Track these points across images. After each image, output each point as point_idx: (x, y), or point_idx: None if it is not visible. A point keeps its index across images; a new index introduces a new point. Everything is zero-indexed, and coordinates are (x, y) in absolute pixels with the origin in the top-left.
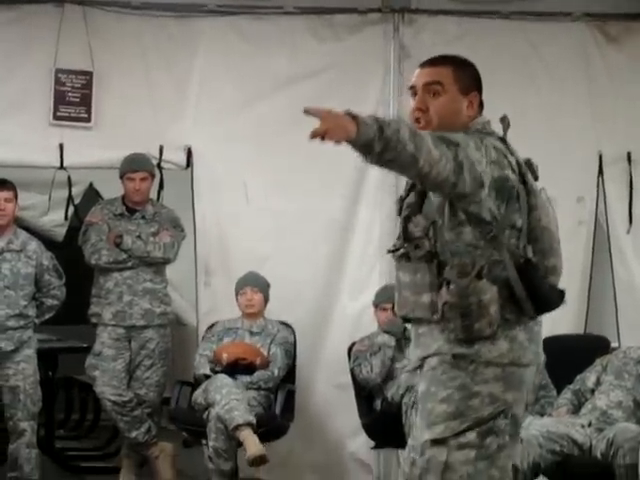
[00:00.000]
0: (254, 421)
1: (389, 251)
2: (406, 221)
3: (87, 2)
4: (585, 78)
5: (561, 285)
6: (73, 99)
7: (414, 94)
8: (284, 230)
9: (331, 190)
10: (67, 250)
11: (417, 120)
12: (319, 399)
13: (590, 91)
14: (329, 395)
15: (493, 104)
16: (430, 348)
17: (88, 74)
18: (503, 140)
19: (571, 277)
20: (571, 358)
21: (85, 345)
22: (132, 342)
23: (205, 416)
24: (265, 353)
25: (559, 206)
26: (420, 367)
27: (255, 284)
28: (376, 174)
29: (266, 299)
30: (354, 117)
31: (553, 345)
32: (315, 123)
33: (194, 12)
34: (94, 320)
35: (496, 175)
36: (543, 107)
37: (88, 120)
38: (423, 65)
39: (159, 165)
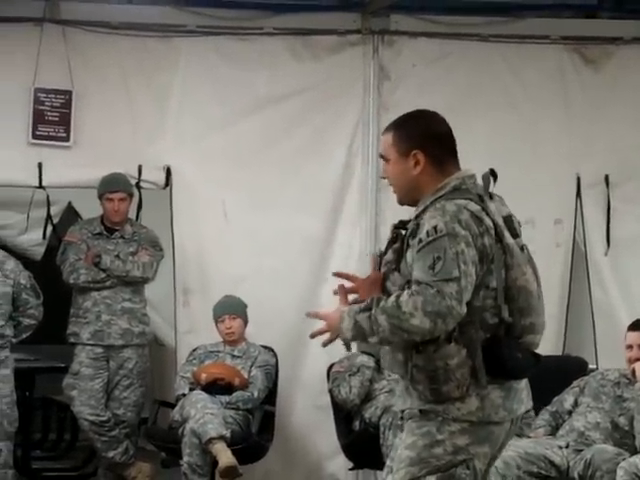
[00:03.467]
0: (227, 435)
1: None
2: (384, 278)
3: (67, 21)
4: (563, 100)
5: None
6: (52, 118)
7: None
8: (263, 249)
9: (310, 209)
10: (45, 269)
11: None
12: (298, 420)
13: (568, 114)
14: (308, 416)
15: (472, 125)
16: (405, 403)
17: (67, 93)
18: (481, 198)
19: (549, 299)
20: (549, 379)
21: (63, 365)
22: (110, 362)
23: (180, 432)
24: (245, 375)
25: (537, 228)
26: (402, 419)
27: (232, 310)
28: (355, 193)
29: (245, 322)
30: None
31: None
32: (293, 144)
33: (174, 32)
34: (72, 339)
35: (479, 247)
36: (522, 129)
37: (67, 139)
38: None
39: (138, 185)
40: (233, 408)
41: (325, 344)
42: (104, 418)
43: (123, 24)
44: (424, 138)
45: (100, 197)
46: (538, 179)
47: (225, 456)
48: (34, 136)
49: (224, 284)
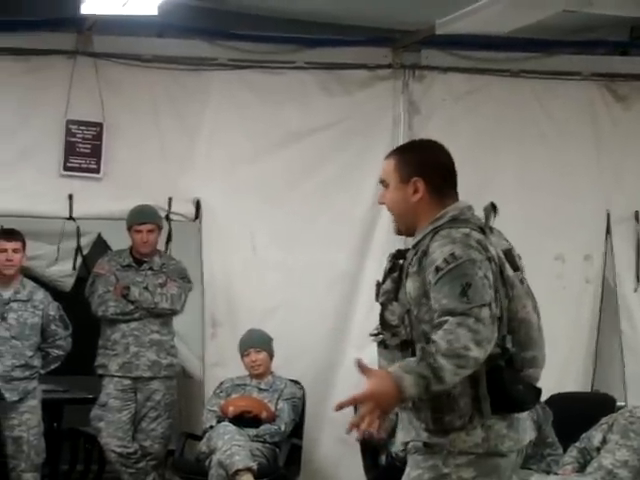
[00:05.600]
0: (255, 467)
1: (371, 334)
2: (383, 308)
3: (99, 54)
4: (593, 136)
5: (569, 343)
6: (83, 150)
7: None
8: (291, 282)
9: (339, 243)
10: (75, 300)
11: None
12: (325, 453)
13: (598, 149)
14: (335, 450)
15: (501, 160)
16: (409, 434)
17: (98, 125)
18: (482, 230)
19: (579, 335)
20: (577, 416)
21: (90, 396)
22: (138, 393)
23: (207, 463)
24: (273, 408)
25: (567, 263)
26: (405, 451)
27: (257, 344)
28: (383, 226)
29: (271, 355)
30: (398, 385)
31: (560, 403)
32: (323, 178)
33: (205, 65)
34: (100, 371)
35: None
36: (551, 164)
37: (98, 171)
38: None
39: (167, 217)
40: (260, 441)
41: (352, 426)
42: (131, 450)
43: (154, 57)
44: (426, 167)
45: (129, 229)
46: (568, 214)
47: None
48: (65, 168)
49: (252, 317)
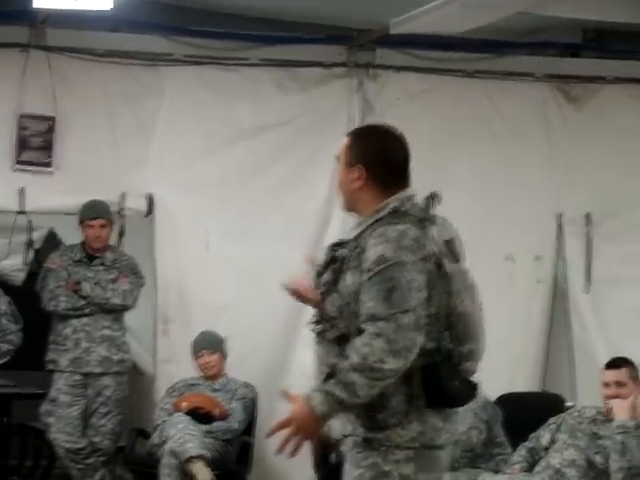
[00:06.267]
0: (208, 455)
1: (310, 323)
2: (323, 298)
3: (52, 48)
4: (545, 137)
5: (519, 343)
6: (36, 144)
7: None
8: (245, 279)
9: (292, 240)
10: (26, 295)
11: None
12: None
13: (550, 150)
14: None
15: (454, 160)
16: (346, 428)
17: (51, 119)
18: (422, 221)
19: (529, 335)
20: (527, 416)
21: (40, 391)
22: (88, 389)
23: (160, 453)
24: (225, 407)
25: (517, 264)
26: (343, 441)
27: (210, 346)
28: (337, 224)
29: (224, 355)
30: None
31: (509, 402)
32: (277, 175)
33: (160, 61)
34: (51, 366)
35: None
36: (503, 165)
37: (50, 165)
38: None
39: (120, 212)
40: (212, 437)
41: (293, 450)
42: (80, 445)
43: (109, 52)
44: (372, 157)
45: (81, 223)
46: (519, 215)
47: (203, 472)
48: (17, 162)
49: (204, 314)
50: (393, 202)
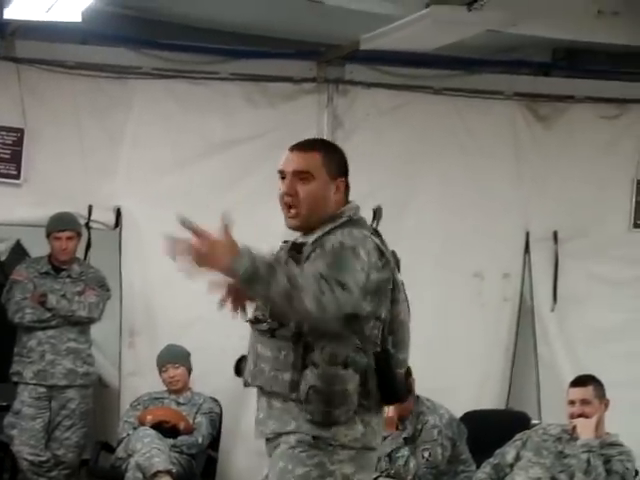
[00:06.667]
0: (174, 470)
1: (248, 321)
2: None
3: (21, 59)
4: (514, 155)
5: (485, 360)
6: (3, 155)
7: (283, 178)
8: (211, 295)
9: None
10: None
11: (287, 205)
12: (240, 466)
13: (519, 168)
14: (250, 462)
15: (423, 176)
16: (288, 425)
17: (19, 131)
18: (376, 231)
19: (495, 353)
20: (492, 433)
21: (4, 404)
22: (52, 402)
23: (124, 467)
24: (190, 421)
25: (485, 281)
26: (274, 441)
27: (175, 360)
28: None
29: (189, 369)
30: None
31: (474, 419)
32: (246, 189)
33: (129, 74)
34: (15, 379)
35: (375, 279)
36: (472, 182)
37: (17, 177)
38: (292, 149)
39: (87, 225)
40: (177, 452)
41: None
42: (44, 458)
43: (77, 64)
44: (345, 168)
45: (48, 235)
46: (487, 232)
47: None
48: None
49: (170, 327)
50: (348, 211)
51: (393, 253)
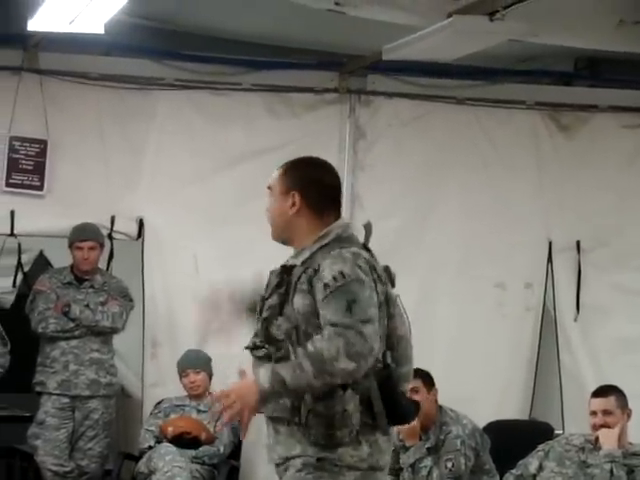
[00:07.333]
0: None
1: (247, 348)
2: (267, 322)
3: (44, 71)
4: (536, 165)
5: (508, 371)
6: (27, 167)
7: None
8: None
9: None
10: (14, 317)
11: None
12: (262, 475)
13: (541, 178)
14: (272, 471)
15: (445, 186)
16: (293, 449)
17: (43, 142)
18: (366, 247)
19: (517, 363)
20: (515, 443)
21: (28, 414)
22: (76, 412)
23: None
24: (212, 430)
25: (508, 291)
26: (283, 465)
27: (196, 365)
28: None
29: (210, 375)
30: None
31: (497, 430)
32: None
33: (152, 85)
34: (38, 389)
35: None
36: (494, 191)
37: (41, 188)
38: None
39: (110, 235)
40: (199, 463)
41: (230, 418)
42: (67, 469)
43: (100, 75)
44: (305, 182)
45: (70, 246)
46: (509, 242)
47: None
48: (7, 184)
49: (193, 338)
50: (336, 229)
51: (387, 268)
